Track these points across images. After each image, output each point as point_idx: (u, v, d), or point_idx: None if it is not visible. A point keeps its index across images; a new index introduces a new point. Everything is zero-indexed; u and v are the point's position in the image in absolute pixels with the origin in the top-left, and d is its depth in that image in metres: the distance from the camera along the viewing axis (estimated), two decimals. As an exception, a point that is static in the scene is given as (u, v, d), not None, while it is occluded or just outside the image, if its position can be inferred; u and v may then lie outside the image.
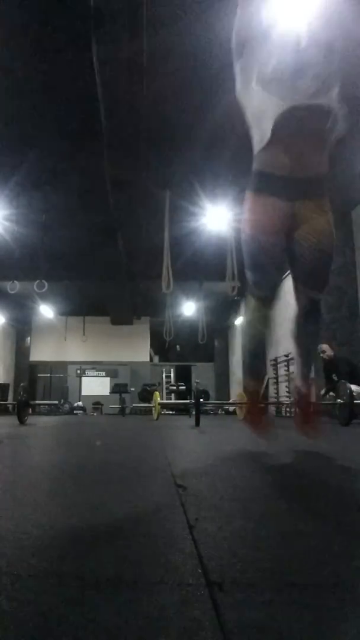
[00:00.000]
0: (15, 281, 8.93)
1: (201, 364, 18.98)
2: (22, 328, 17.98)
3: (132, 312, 16.05)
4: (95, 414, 15.56)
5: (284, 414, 11.21)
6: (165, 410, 12.22)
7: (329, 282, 2.09)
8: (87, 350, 17.03)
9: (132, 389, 14.92)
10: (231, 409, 12.14)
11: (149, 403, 10.39)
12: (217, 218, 8.69)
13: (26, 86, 5.52)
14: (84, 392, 17.10)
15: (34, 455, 2.56)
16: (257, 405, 2.35)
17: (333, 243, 1.99)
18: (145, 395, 14.18)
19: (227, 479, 1.53)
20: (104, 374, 17.56)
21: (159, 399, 8.33)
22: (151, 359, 18.98)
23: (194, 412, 6.13)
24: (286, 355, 11.09)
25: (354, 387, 5.70)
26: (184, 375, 18.18)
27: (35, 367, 18.35)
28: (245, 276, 2.12)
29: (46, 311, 15.39)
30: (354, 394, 5.59)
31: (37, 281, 8.76)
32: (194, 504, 1.10)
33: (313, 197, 1.94)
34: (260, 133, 1.96)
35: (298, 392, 2.26)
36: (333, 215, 1.99)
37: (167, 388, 16.94)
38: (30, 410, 6.62)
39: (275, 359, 12.07)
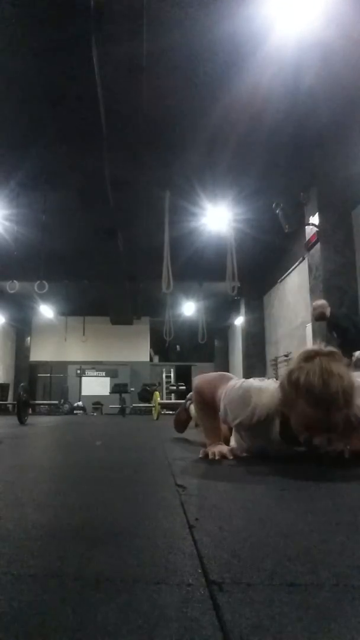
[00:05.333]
0: (15, 281, 8.93)
1: (201, 364, 18.98)
2: (22, 328, 17.97)
3: (132, 312, 16.05)
4: (95, 414, 15.55)
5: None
6: (165, 410, 12.22)
7: None
8: (87, 350, 17.02)
9: (132, 389, 14.91)
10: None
11: (149, 403, 10.39)
12: (217, 218, 8.69)
13: (26, 86, 5.52)
14: (84, 392, 17.09)
15: (34, 455, 2.56)
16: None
17: None
18: (145, 395, 14.18)
19: (227, 479, 1.53)
20: (104, 374, 17.55)
21: (159, 399, 8.34)
22: (151, 359, 18.98)
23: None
24: (286, 355, 11.09)
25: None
26: (184, 375, 18.18)
27: (35, 367, 18.34)
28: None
29: (46, 311, 15.38)
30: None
31: (38, 282, 8.75)
32: (194, 504, 1.10)
33: None
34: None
35: None
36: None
37: (167, 388, 16.93)
38: (30, 410, 6.62)
39: (275, 359, 12.07)
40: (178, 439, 3.25)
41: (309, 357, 1.59)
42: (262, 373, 13.88)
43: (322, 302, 6.68)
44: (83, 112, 5.88)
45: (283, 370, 1.75)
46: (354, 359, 5.72)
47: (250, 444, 1.95)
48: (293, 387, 1.55)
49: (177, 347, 18.36)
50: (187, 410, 3.29)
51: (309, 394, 1.49)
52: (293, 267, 10.37)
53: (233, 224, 8.63)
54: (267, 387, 1.79)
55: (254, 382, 1.88)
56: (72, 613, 0.53)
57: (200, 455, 1.94)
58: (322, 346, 1.64)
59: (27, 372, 17.87)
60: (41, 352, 18.27)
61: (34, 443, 3.36)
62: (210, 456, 1.89)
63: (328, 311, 6.52)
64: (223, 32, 4.66)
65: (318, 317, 6.65)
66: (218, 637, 0.48)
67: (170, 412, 13.22)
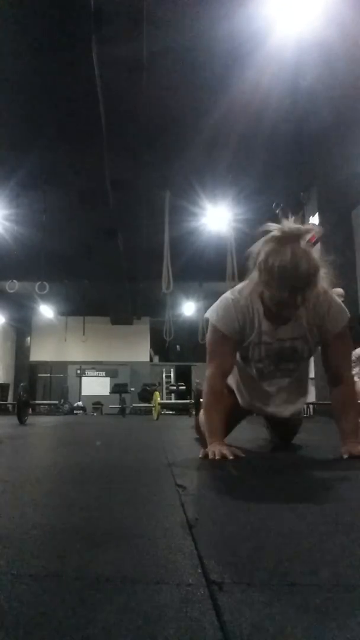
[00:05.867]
0: (14, 280, 8.93)
1: (201, 364, 18.94)
2: (22, 328, 17.97)
3: (132, 312, 16.05)
4: (95, 414, 15.55)
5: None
6: (165, 410, 12.21)
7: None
8: (87, 350, 17.01)
9: (132, 389, 14.90)
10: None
11: (149, 403, 10.39)
12: (217, 218, 8.69)
13: (26, 86, 5.52)
14: (84, 392, 17.08)
15: (34, 455, 2.56)
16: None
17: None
18: (145, 395, 14.17)
19: (227, 479, 1.53)
20: (104, 374, 17.54)
21: (159, 399, 8.34)
22: (151, 359, 18.96)
23: (194, 412, 6.13)
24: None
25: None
26: (184, 375, 18.16)
27: (35, 367, 18.34)
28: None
29: (46, 311, 15.37)
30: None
31: (39, 283, 8.76)
32: (194, 504, 1.10)
33: None
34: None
35: None
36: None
37: (167, 388, 16.92)
38: (30, 410, 6.62)
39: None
40: (178, 439, 3.25)
41: (281, 241, 1.82)
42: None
43: (338, 290, 6.82)
44: (83, 112, 5.88)
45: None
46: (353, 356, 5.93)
47: (248, 349, 2.08)
48: (268, 271, 1.81)
49: (177, 347, 18.34)
50: None
51: (281, 277, 1.78)
52: (293, 267, 10.36)
53: (233, 224, 8.63)
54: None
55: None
56: (72, 613, 0.53)
57: (200, 456, 1.93)
58: (291, 224, 1.90)
59: (27, 372, 17.86)
60: (41, 352, 18.27)
61: (34, 443, 3.36)
62: (211, 456, 1.88)
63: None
64: (223, 32, 4.66)
65: None
66: (218, 637, 0.48)
67: (170, 412, 13.23)
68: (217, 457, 1.85)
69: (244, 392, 2.25)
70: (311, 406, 8.73)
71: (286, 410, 2.17)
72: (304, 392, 2.26)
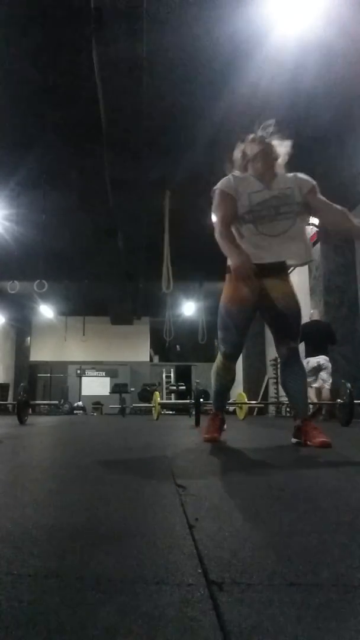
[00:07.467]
0: (15, 281, 8.93)
1: (201, 364, 18.98)
2: (22, 328, 17.97)
3: (132, 312, 16.05)
4: (95, 414, 15.55)
5: (284, 413, 11.22)
6: (165, 410, 12.22)
7: (300, 333, 2.70)
8: (87, 350, 17.01)
9: (132, 389, 14.91)
10: (231, 409, 12.15)
11: (149, 403, 10.39)
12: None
13: (26, 86, 5.52)
14: (84, 392, 17.09)
15: (34, 455, 2.56)
16: (216, 424, 2.84)
17: (298, 303, 2.67)
18: (145, 395, 14.17)
19: (227, 479, 1.53)
20: (104, 374, 17.55)
21: (159, 399, 8.34)
22: (151, 359, 18.97)
23: (194, 412, 6.13)
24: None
25: (321, 358, 6.80)
26: (184, 375, 18.17)
27: (35, 367, 18.34)
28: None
29: (46, 311, 15.37)
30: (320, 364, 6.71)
31: (37, 281, 8.75)
32: (194, 504, 1.10)
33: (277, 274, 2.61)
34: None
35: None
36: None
37: (167, 388, 16.93)
38: (30, 410, 6.62)
39: (276, 359, 12.07)
40: (178, 439, 3.25)
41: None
42: (262, 373, 13.86)
43: (314, 312, 7.37)
44: (83, 112, 5.88)
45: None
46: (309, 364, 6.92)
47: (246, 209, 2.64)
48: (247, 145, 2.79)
49: (177, 347, 18.35)
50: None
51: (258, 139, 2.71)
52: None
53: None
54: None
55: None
56: (72, 613, 0.53)
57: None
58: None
59: (27, 372, 17.87)
60: (41, 352, 18.27)
61: (34, 443, 3.36)
62: (241, 275, 2.41)
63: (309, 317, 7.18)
64: (223, 32, 4.66)
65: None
66: (218, 637, 0.48)
67: (170, 412, 13.23)
68: (248, 275, 2.40)
69: (245, 245, 2.61)
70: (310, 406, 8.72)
71: (284, 251, 2.56)
72: (303, 244, 2.65)
